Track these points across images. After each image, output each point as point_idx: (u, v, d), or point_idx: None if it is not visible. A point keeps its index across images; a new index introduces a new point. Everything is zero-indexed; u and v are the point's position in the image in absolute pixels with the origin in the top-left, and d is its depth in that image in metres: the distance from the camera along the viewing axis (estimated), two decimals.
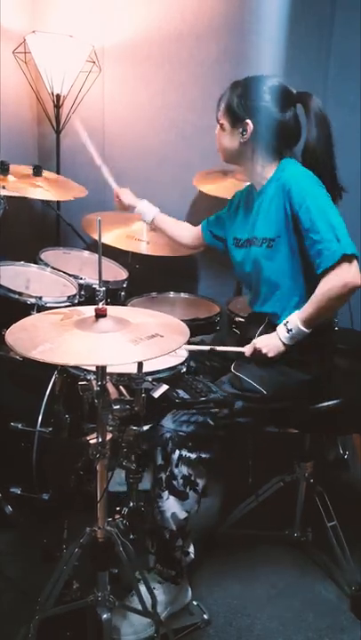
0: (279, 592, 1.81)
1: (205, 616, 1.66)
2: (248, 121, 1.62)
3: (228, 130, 1.67)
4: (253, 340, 1.67)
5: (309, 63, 2.46)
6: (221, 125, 1.69)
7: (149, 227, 2.13)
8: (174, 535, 1.55)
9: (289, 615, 1.72)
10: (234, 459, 2.03)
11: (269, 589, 1.82)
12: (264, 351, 1.63)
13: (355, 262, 1.50)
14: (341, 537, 1.83)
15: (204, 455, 1.54)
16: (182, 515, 1.53)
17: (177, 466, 1.51)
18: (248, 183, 1.81)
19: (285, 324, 1.60)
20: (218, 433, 1.57)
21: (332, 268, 1.49)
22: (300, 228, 1.55)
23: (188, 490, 1.53)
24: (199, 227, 2.02)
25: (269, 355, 1.62)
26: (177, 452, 1.50)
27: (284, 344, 1.61)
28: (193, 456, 1.52)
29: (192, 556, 1.64)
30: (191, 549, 1.64)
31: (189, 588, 1.70)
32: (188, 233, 2.07)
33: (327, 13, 2.41)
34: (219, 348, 1.75)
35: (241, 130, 1.64)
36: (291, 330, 1.58)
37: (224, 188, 2.33)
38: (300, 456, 1.89)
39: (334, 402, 1.73)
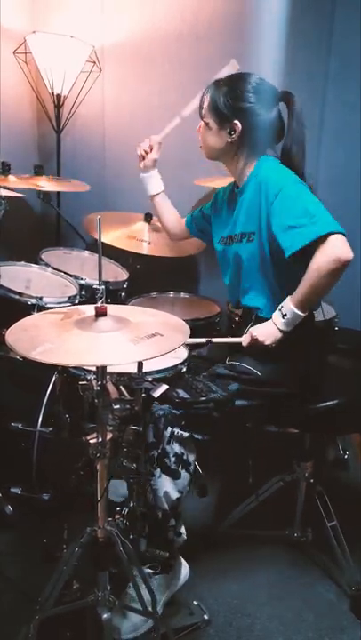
0: (279, 592, 1.81)
1: (205, 616, 1.66)
2: (236, 122, 1.63)
3: (215, 129, 1.68)
4: (250, 329, 1.67)
5: (309, 63, 2.46)
6: (207, 124, 1.69)
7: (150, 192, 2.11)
8: (167, 515, 1.54)
9: (289, 615, 1.72)
10: (233, 458, 2.03)
11: (269, 589, 1.82)
12: (261, 339, 1.62)
13: (341, 238, 1.48)
14: (341, 537, 1.83)
15: (196, 436, 1.54)
16: (175, 494, 1.53)
17: (169, 443, 1.50)
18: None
19: (280, 309, 1.60)
20: (212, 414, 1.57)
21: (316, 245, 1.48)
22: (272, 217, 1.57)
23: (180, 469, 1.52)
24: (184, 219, 2.08)
25: (266, 342, 1.62)
26: (169, 428, 1.50)
27: (280, 330, 1.60)
28: (185, 434, 1.52)
29: (184, 537, 1.63)
30: (183, 530, 1.64)
31: (186, 565, 1.70)
32: (176, 223, 2.12)
33: (327, 13, 2.41)
34: (216, 340, 1.74)
35: (229, 130, 1.66)
36: (286, 314, 1.58)
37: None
38: (300, 456, 1.89)
39: (334, 402, 1.73)
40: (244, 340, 1.68)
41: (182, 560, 1.70)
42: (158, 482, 1.52)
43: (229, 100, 1.63)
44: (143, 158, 2.04)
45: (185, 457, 1.53)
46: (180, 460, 1.52)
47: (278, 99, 1.67)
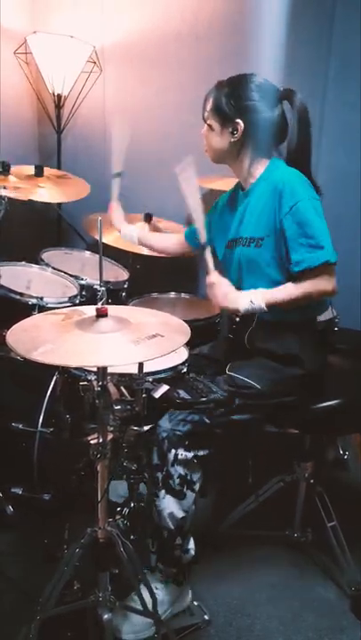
0: (279, 592, 1.81)
1: (206, 616, 1.66)
2: (238, 120, 1.63)
3: (218, 130, 1.68)
4: (222, 279, 1.67)
5: (310, 63, 2.46)
6: (210, 126, 1.69)
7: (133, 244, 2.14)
8: (173, 534, 1.55)
9: (289, 615, 1.72)
10: (233, 458, 2.03)
11: (269, 589, 1.82)
12: (219, 297, 1.64)
13: (333, 270, 1.56)
14: (341, 537, 1.84)
15: (200, 453, 1.54)
16: (180, 514, 1.54)
17: (173, 465, 1.51)
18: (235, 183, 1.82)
19: (250, 297, 1.60)
20: (215, 431, 1.57)
21: (313, 272, 1.53)
22: (285, 229, 1.57)
23: (185, 489, 1.53)
24: (182, 234, 2.05)
25: (222, 303, 1.64)
26: (173, 451, 1.51)
27: (238, 310, 1.62)
28: (189, 455, 1.52)
29: (192, 552, 1.64)
30: (191, 546, 1.64)
31: (190, 590, 1.70)
32: (172, 243, 2.10)
33: (328, 13, 2.41)
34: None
35: (231, 129, 1.65)
36: (253, 303, 1.59)
37: (230, 184, 2.32)
38: (300, 456, 1.89)
39: (334, 402, 1.73)
40: (209, 277, 1.67)
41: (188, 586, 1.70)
42: (163, 502, 1.53)
43: (231, 99, 1.63)
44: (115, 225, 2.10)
45: (189, 477, 1.54)
46: (184, 480, 1.53)
47: (281, 97, 1.66)
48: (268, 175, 1.65)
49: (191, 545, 1.64)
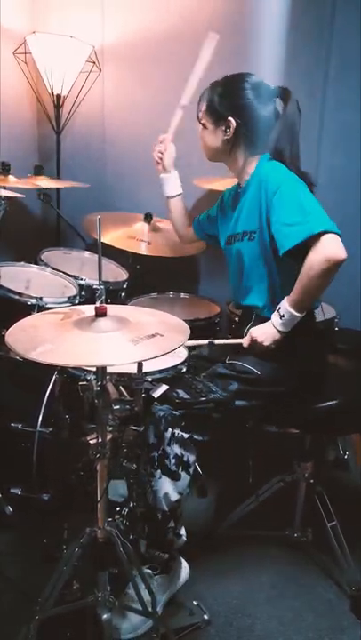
0: (279, 592, 1.81)
1: (206, 616, 1.66)
2: (230, 118, 1.65)
3: (211, 128, 1.71)
4: (250, 330, 1.67)
5: (309, 63, 2.46)
6: (203, 125, 1.72)
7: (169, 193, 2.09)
8: (166, 516, 1.54)
9: (289, 615, 1.72)
10: (233, 458, 2.03)
11: (269, 589, 1.82)
12: (260, 340, 1.63)
13: (334, 237, 1.47)
14: (341, 537, 1.83)
15: (197, 437, 1.54)
16: (175, 496, 1.53)
17: (169, 444, 1.51)
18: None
19: (278, 311, 1.61)
20: (212, 415, 1.57)
21: (310, 244, 1.48)
22: (270, 217, 1.57)
23: (180, 470, 1.53)
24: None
25: (265, 343, 1.63)
26: (170, 430, 1.50)
27: (278, 331, 1.61)
28: (186, 435, 1.52)
29: (184, 538, 1.64)
30: (183, 532, 1.64)
31: (186, 566, 1.70)
32: (187, 226, 2.12)
33: (327, 13, 2.41)
34: (218, 342, 1.74)
35: (224, 128, 1.68)
36: (283, 315, 1.59)
37: (230, 184, 2.32)
38: (300, 456, 1.89)
39: (334, 402, 1.73)
40: (245, 341, 1.68)
41: (182, 561, 1.71)
42: (158, 483, 1.52)
43: (224, 98, 1.66)
44: (160, 160, 2.03)
45: (185, 458, 1.53)
46: (180, 461, 1.52)
47: (274, 95, 1.68)
48: (258, 171, 1.68)
49: (183, 531, 1.64)
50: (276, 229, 1.55)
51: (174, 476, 1.52)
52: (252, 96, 1.65)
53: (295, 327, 1.62)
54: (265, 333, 1.63)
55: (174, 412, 1.52)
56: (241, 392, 1.62)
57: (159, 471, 1.51)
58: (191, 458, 1.54)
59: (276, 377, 1.67)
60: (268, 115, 1.66)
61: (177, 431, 1.51)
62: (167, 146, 2.00)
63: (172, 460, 1.51)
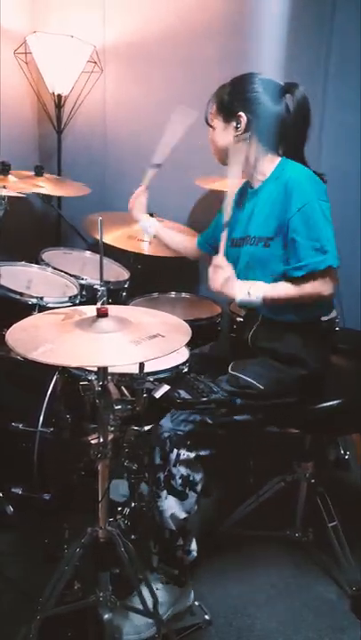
0: (279, 592, 1.81)
1: (207, 616, 1.66)
2: (241, 113, 1.63)
3: (222, 127, 1.67)
4: (228, 265, 1.65)
5: (309, 62, 2.46)
6: (213, 126, 1.70)
7: (149, 237, 2.14)
8: (175, 535, 1.55)
9: (289, 615, 1.72)
10: (234, 458, 2.03)
11: (270, 589, 1.82)
12: (218, 277, 1.63)
13: (334, 274, 1.55)
14: (342, 537, 1.84)
15: (202, 453, 1.54)
16: (182, 515, 1.54)
17: (175, 465, 1.51)
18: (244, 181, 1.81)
19: (249, 288, 1.60)
20: (217, 431, 1.57)
21: (315, 275, 1.54)
22: (291, 229, 1.56)
23: (187, 490, 1.53)
24: (195, 240, 2.05)
25: (215, 282, 1.63)
26: (175, 451, 1.50)
27: (234, 297, 1.62)
28: (192, 455, 1.52)
29: (194, 554, 1.64)
30: (193, 547, 1.64)
31: (192, 590, 1.70)
32: (185, 247, 2.09)
33: (327, 12, 2.41)
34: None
35: (235, 124, 1.64)
36: (250, 294, 1.60)
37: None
38: (301, 456, 1.89)
39: (334, 402, 1.73)
40: (216, 260, 1.66)
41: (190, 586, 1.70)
42: (165, 503, 1.52)
43: (234, 95, 1.64)
44: (133, 206, 2.05)
45: (191, 478, 1.53)
46: (186, 481, 1.52)
47: (284, 91, 1.65)
48: (279, 174, 1.64)
49: (193, 546, 1.64)
50: (297, 249, 1.55)
51: (181, 496, 1.53)
52: (262, 90, 1.62)
53: (302, 331, 1.63)
54: (223, 282, 1.62)
55: (179, 432, 1.51)
56: (244, 407, 1.61)
57: (165, 492, 1.52)
58: (197, 477, 1.54)
59: (280, 389, 1.65)
60: (280, 111, 1.64)
61: (183, 451, 1.51)
62: (136, 197, 2.04)
63: (179, 481, 1.52)
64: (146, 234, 2.10)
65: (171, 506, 1.52)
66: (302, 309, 1.64)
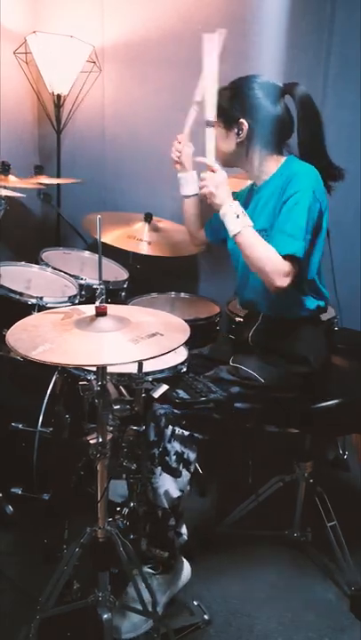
0: (279, 592, 1.81)
1: (206, 616, 1.66)
2: (242, 120, 1.64)
3: (223, 133, 1.69)
4: (224, 173, 1.64)
5: (309, 63, 2.46)
6: (215, 131, 1.68)
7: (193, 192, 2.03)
8: (167, 514, 1.54)
9: (289, 615, 1.72)
10: (233, 458, 2.03)
11: (269, 589, 1.82)
12: (210, 182, 1.61)
13: (293, 266, 1.53)
14: (341, 537, 1.83)
15: (197, 435, 1.54)
16: (175, 493, 1.53)
17: (170, 441, 1.51)
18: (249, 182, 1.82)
19: (238, 211, 1.58)
20: (213, 415, 1.57)
21: (285, 259, 1.53)
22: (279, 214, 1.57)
23: (181, 467, 1.53)
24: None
25: (207, 187, 1.61)
26: (170, 427, 1.50)
27: (222, 206, 1.60)
28: (186, 432, 1.52)
29: (185, 537, 1.64)
30: (184, 531, 1.64)
31: (188, 565, 1.70)
32: (199, 228, 2.07)
33: (327, 13, 2.41)
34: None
35: (236, 130, 1.66)
36: (237, 217, 1.58)
37: (230, 184, 2.32)
38: (300, 456, 1.89)
39: (334, 402, 1.73)
40: (211, 171, 1.64)
41: (184, 560, 1.71)
42: (159, 480, 1.52)
43: (233, 101, 1.65)
44: (178, 159, 1.97)
45: (186, 456, 1.53)
46: (180, 458, 1.52)
47: (283, 92, 1.66)
48: (284, 170, 1.66)
49: (184, 530, 1.64)
50: (276, 231, 1.56)
51: (175, 473, 1.52)
52: (262, 95, 1.63)
53: (302, 330, 1.64)
54: (219, 188, 1.60)
55: (175, 411, 1.52)
56: (243, 395, 1.61)
57: (160, 468, 1.52)
58: (192, 455, 1.54)
59: (281, 384, 1.66)
60: (280, 112, 1.65)
61: (177, 428, 1.51)
62: (185, 144, 1.95)
63: (173, 457, 1.51)
64: (182, 189, 1.99)
65: (164, 483, 1.52)
66: (301, 307, 1.64)
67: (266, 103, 1.63)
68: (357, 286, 2.49)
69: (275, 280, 1.53)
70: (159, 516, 1.55)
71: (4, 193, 2.05)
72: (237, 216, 1.58)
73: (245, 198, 1.81)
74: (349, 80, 2.44)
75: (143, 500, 1.58)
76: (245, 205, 1.77)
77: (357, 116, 2.45)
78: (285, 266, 1.53)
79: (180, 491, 1.54)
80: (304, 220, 1.54)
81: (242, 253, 1.59)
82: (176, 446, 1.52)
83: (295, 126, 1.67)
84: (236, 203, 1.61)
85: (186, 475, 1.54)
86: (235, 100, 1.65)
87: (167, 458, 1.51)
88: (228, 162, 1.75)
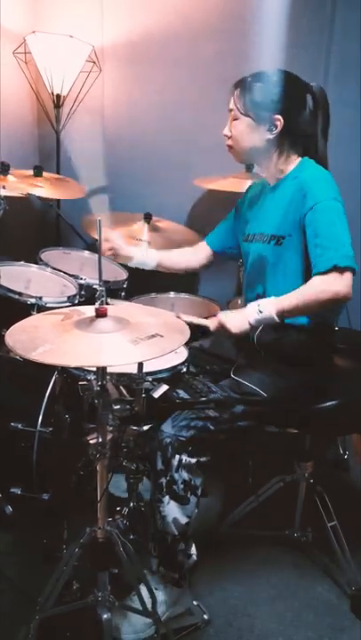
0: (279, 592, 1.81)
1: (205, 616, 1.66)
2: (278, 116, 1.58)
3: (250, 126, 1.61)
4: (219, 314, 1.62)
5: (309, 63, 2.46)
6: (241, 123, 1.61)
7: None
8: (176, 540, 1.55)
9: (289, 615, 1.72)
10: (234, 458, 2.03)
11: (269, 589, 1.82)
12: (228, 326, 1.57)
13: (349, 275, 1.46)
14: (342, 537, 1.83)
15: (203, 459, 1.54)
16: (183, 520, 1.54)
17: (177, 471, 1.51)
18: (251, 181, 1.80)
19: (258, 306, 1.53)
20: (218, 437, 1.57)
21: (326, 273, 1.46)
22: (305, 229, 1.53)
23: (188, 495, 1.53)
24: (203, 244, 1.97)
25: (233, 331, 1.56)
26: (177, 456, 1.50)
27: (250, 324, 1.55)
28: (193, 461, 1.52)
29: (195, 557, 1.64)
30: (193, 551, 1.65)
31: (189, 593, 1.70)
32: (195, 256, 1.99)
33: (327, 13, 2.41)
34: (185, 317, 1.53)
35: (268, 126, 1.59)
36: (262, 312, 1.52)
37: (230, 184, 2.31)
38: (300, 456, 1.89)
39: (334, 402, 1.73)
40: (212, 324, 1.61)
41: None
42: (167, 508, 1.52)
43: (267, 94, 1.58)
44: (116, 254, 1.90)
45: (193, 482, 1.53)
46: (188, 486, 1.52)
47: (307, 91, 1.63)
48: (298, 174, 1.62)
49: (193, 550, 1.65)
50: (311, 248, 1.51)
51: (183, 501, 1.53)
52: (297, 93, 1.59)
53: (311, 345, 1.62)
54: (234, 322, 1.56)
55: (181, 438, 1.51)
56: (246, 414, 1.60)
57: (167, 497, 1.52)
58: (198, 481, 1.55)
59: (284, 396, 1.64)
60: (309, 112, 1.62)
61: (184, 457, 1.51)
62: (110, 240, 1.87)
63: (181, 486, 1.52)
64: (145, 267, 1.94)
65: (172, 511, 1.52)
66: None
67: (301, 102, 1.60)
68: (358, 286, 2.48)
69: (338, 297, 1.46)
70: (168, 542, 1.55)
71: (4, 193, 2.05)
72: (259, 310, 1.53)
73: (258, 196, 1.78)
74: (349, 79, 2.44)
75: (152, 525, 1.58)
76: (257, 204, 1.75)
77: (357, 116, 2.45)
78: (330, 279, 1.46)
79: (188, 517, 1.54)
80: (341, 229, 1.50)
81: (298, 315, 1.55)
82: (184, 475, 1.51)
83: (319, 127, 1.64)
84: (245, 309, 1.57)
85: (193, 500, 1.54)
86: (270, 94, 1.57)
87: (175, 487, 1.51)
88: (250, 157, 1.70)
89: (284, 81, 1.59)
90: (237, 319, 1.57)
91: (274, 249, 1.61)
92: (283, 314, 1.52)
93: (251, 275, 1.74)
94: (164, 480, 1.51)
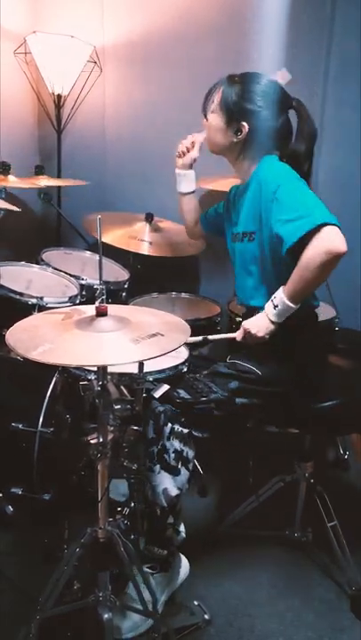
0: (279, 592, 1.81)
1: (206, 616, 1.66)
2: (244, 123, 1.63)
3: (221, 126, 1.66)
4: (243, 323, 1.65)
5: (309, 63, 2.46)
6: (208, 118, 1.69)
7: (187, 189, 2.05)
8: (165, 512, 1.54)
9: (289, 615, 1.72)
10: (233, 458, 2.03)
11: (269, 589, 1.82)
12: (253, 331, 1.60)
13: (336, 230, 1.44)
14: (342, 537, 1.83)
15: (196, 433, 1.54)
16: (174, 491, 1.52)
17: (168, 439, 1.50)
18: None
19: (272, 300, 1.57)
20: (214, 412, 1.57)
21: (311, 237, 1.44)
22: (270, 216, 1.54)
23: (179, 465, 1.52)
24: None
25: (259, 334, 1.60)
26: (169, 424, 1.50)
27: (272, 322, 1.58)
28: (185, 430, 1.52)
29: (183, 535, 1.64)
30: (182, 528, 1.64)
31: (186, 563, 1.70)
32: (196, 223, 2.10)
33: (327, 13, 2.41)
34: (212, 337, 1.71)
35: (235, 130, 1.65)
36: (277, 306, 1.55)
37: (230, 184, 2.31)
38: (300, 456, 1.89)
39: (334, 402, 1.73)
40: (238, 334, 1.66)
41: (182, 557, 1.71)
42: (157, 478, 1.51)
43: (241, 99, 1.62)
44: (182, 155, 1.98)
45: (185, 454, 1.53)
46: (179, 456, 1.52)
47: (289, 105, 1.66)
48: (257, 171, 1.66)
49: (182, 528, 1.64)
50: (278, 228, 1.51)
51: (173, 471, 1.52)
52: (265, 104, 1.61)
53: (297, 327, 1.62)
54: (258, 325, 1.60)
55: (175, 410, 1.52)
56: (241, 390, 1.62)
57: (158, 466, 1.51)
58: (190, 453, 1.54)
59: (278, 377, 1.66)
60: (279, 125, 1.64)
61: (177, 426, 1.51)
62: (195, 145, 1.95)
63: (172, 455, 1.51)
64: (179, 186, 2.02)
65: (163, 481, 1.51)
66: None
67: (271, 114, 1.62)
68: (358, 286, 2.49)
69: (337, 251, 1.42)
70: (157, 514, 1.54)
71: (2, 206, 2.05)
72: (274, 305, 1.56)
73: (237, 196, 1.82)
74: (350, 79, 2.44)
75: (141, 497, 1.58)
76: (236, 205, 1.80)
77: (357, 116, 2.45)
78: (318, 241, 1.43)
79: (179, 489, 1.53)
80: (307, 197, 1.50)
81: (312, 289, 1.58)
82: (175, 444, 1.51)
83: (293, 139, 1.67)
84: (263, 312, 1.60)
85: (184, 473, 1.53)
86: (243, 99, 1.61)
87: (166, 456, 1.51)
88: (217, 152, 1.74)
89: (262, 89, 1.62)
90: (260, 321, 1.61)
91: (248, 246, 1.67)
92: (296, 296, 1.53)
93: (238, 273, 1.78)
94: (155, 449, 1.50)
